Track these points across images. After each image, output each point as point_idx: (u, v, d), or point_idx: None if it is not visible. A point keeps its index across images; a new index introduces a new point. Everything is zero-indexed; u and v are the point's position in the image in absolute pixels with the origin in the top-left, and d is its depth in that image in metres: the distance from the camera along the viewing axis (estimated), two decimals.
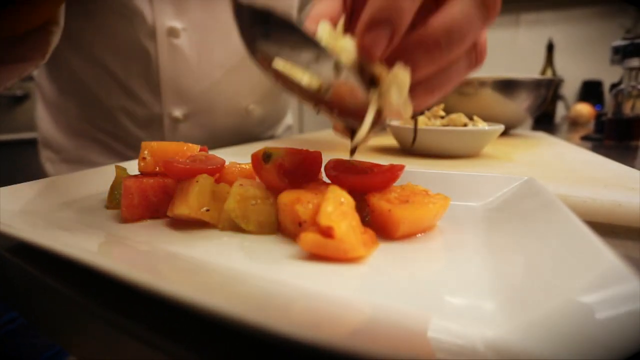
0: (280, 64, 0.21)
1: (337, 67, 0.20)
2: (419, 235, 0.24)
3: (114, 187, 0.29)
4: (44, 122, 0.70)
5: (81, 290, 0.18)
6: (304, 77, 0.22)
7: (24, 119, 1.64)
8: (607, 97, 1.26)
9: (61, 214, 0.27)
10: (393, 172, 0.26)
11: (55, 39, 0.40)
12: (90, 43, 0.58)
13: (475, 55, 0.24)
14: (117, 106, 0.63)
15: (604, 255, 0.15)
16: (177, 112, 0.63)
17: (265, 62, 0.22)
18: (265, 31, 0.21)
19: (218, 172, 0.28)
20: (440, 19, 0.21)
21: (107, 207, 0.29)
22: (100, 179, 0.33)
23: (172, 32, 0.57)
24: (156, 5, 0.55)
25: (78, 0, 0.54)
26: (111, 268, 0.15)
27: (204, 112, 0.66)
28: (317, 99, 0.23)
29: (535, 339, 0.12)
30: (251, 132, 0.76)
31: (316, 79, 0.22)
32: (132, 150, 0.67)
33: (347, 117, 0.24)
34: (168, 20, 0.56)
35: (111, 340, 0.17)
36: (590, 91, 1.62)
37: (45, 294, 0.20)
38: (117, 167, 0.30)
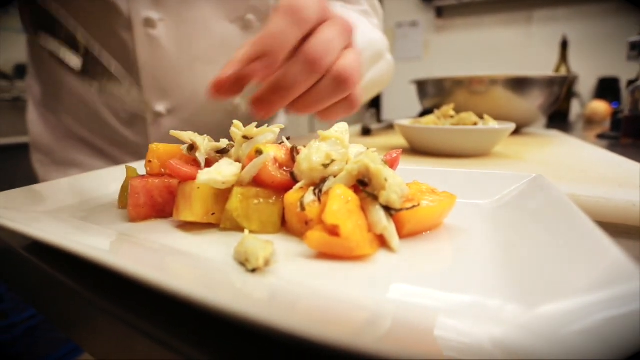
0: None
1: None
2: (425, 233, 0.24)
3: (125, 187, 0.29)
4: (34, 124, 0.70)
5: (93, 287, 0.19)
6: None
7: None
8: (624, 94, 1.22)
9: (75, 213, 0.28)
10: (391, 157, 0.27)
11: None
12: None
13: (349, 103, 0.35)
14: (99, 102, 0.62)
15: (612, 254, 0.15)
16: (160, 107, 0.62)
17: None
18: None
19: None
20: (309, 44, 0.30)
21: (119, 207, 0.29)
22: (113, 179, 0.33)
23: (149, 23, 0.55)
24: None
25: None
26: (117, 265, 0.15)
27: (188, 106, 0.64)
28: None
29: (543, 337, 0.12)
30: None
31: None
32: (119, 149, 0.67)
33: None
34: (144, 10, 0.55)
35: (123, 338, 0.17)
36: (607, 88, 1.59)
37: (59, 291, 0.21)
38: (128, 167, 0.30)
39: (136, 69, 0.58)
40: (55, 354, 1.00)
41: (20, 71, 1.62)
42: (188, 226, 0.25)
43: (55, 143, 0.68)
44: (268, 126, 0.28)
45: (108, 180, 0.33)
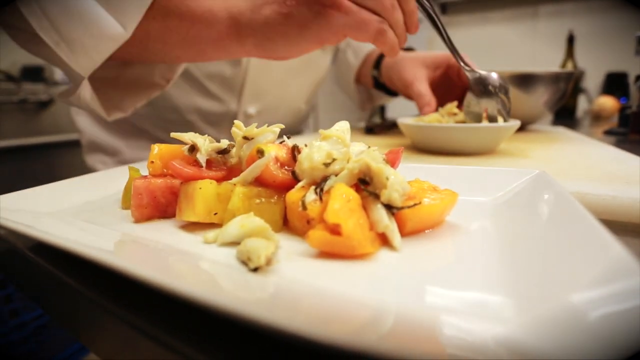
0: None
1: None
2: (427, 231, 0.24)
3: (128, 188, 0.29)
4: (89, 126, 0.73)
5: (97, 288, 0.19)
6: None
7: (49, 123, 1.71)
8: (632, 89, 1.20)
9: (78, 214, 0.28)
10: (393, 155, 0.27)
11: (180, 68, 0.48)
12: None
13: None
14: (188, 105, 0.67)
15: (614, 250, 0.15)
16: (252, 109, 0.72)
17: None
18: None
19: (222, 179, 0.27)
20: None
21: (122, 208, 0.29)
22: (116, 179, 0.34)
23: None
24: None
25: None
26: (121, 265, 0.15)
27: (272, 109, 0.75)
28: None
29: (546, 335, 0.12)
30: (296, 127, 0.88)
31: None
32: None
33: None
34: None
35: (126, 339, 0.17)
36: (615, 83, 1.56)
37: (64, 291, 0.21)
38: (130, 168, 0.31)
39: (243, 78, 0.68)
40: (63, 354, 1.01)
41: (26, 73, 1.64)
42: (191, 226, 0.26)
43: (121, 143, 0.72)
44: (268, 126, 0.28)
45: (111, 181, 0.34)
